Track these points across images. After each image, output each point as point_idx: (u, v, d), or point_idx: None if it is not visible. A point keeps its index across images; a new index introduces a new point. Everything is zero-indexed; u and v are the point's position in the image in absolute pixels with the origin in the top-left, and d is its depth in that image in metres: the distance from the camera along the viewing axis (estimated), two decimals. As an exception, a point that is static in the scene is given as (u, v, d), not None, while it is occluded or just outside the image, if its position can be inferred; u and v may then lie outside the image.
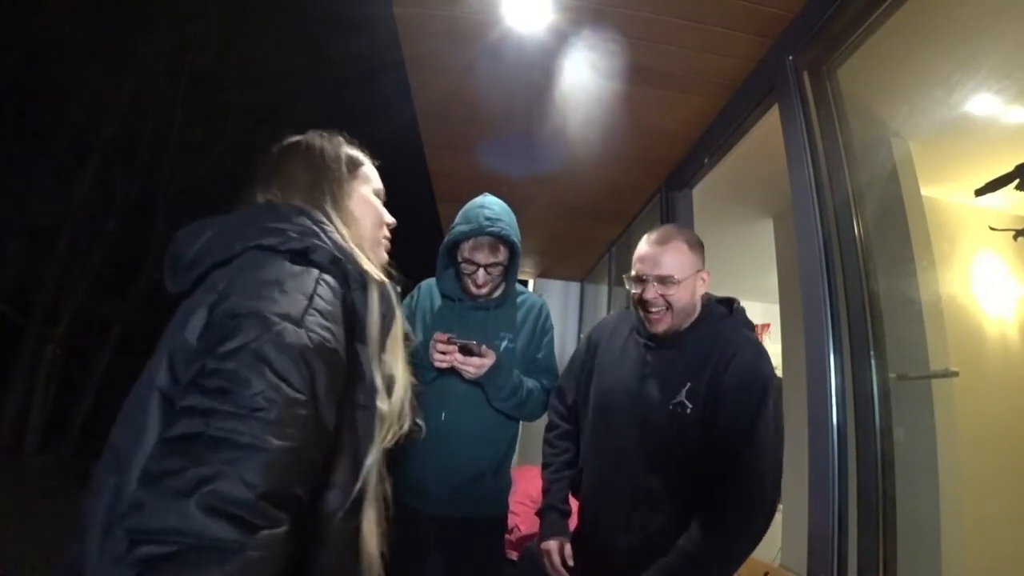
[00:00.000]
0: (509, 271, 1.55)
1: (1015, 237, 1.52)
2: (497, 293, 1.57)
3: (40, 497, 6.04)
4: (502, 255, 1.50)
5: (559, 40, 1.78)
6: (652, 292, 1.17)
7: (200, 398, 0.54)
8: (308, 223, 0.73)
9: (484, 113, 2.24)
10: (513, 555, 2.25)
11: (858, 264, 1.36)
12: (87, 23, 7.53)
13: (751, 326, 1.28)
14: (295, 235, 0.69)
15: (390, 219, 0.94)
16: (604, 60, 1.84)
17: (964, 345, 1.44)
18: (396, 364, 0.78)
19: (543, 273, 4.90)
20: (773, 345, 4.26)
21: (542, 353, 1.61)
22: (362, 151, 0.94)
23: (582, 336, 1.36)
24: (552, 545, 1.26)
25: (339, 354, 0.65)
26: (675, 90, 1.99)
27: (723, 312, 1.26)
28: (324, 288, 0.66)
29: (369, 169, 0.93)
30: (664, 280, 1.16)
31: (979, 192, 1.42)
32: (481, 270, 1.48)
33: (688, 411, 1.12)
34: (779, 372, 3.64)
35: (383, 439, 0.74)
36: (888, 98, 1.57)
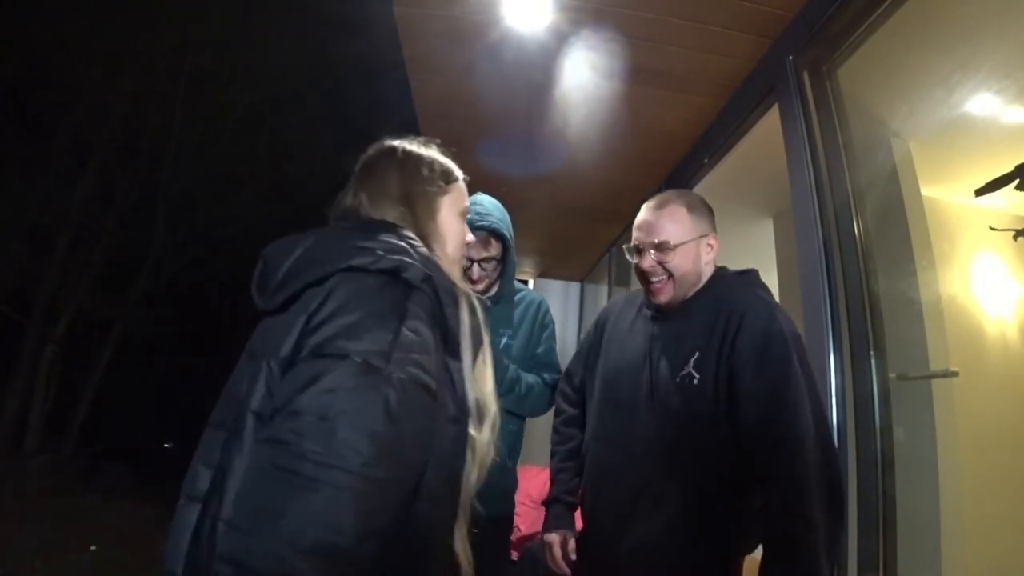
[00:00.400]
0: (504, 268, 1.55)
1: (1015, 237, 1.52)
2: (494, 290, 1.57)
3: (40, 497, 6.04)
4: (494, 249, 1.51)
5: (559, 40, 1.78)
6: (648, 260, 1.10)
7: (291, 435, 0.55)
8: (397, 240, 0.71)
9: (484, 113, 2.24)
10: (513, 555, 2.25)
11: (858, 264, 1.36)
12: (87, 23, 7.53)
13: (767, 289, 1.17)
14: (384, 253, 0.67)
15: (471, 238, 0.92)
16: (604, 60, 1.84)
17: (964, 345, 1.44)
18: (486, 388, 0.76)
19: (543, 273, 4.90)
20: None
21: (542, 348, 1.59)
22: (454, 162, 0.89)
23: (583, 337, 1.32)
24: (554, 538, 1.20)
25: (429, 387, 0.64)
26: (675, 90, 1.99)
27: (734, 276, 1.17)
28: (414, 314, 0.65)
29: (461, 185, 0.89)
30: (660, 247, 1.09)
31: (979, 192, 1.42)
32: (475, 265, 1.49)
33: (695, 382, 1.02)
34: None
35: (476, 470, 0.73)
36: (888, 98, 1.57)
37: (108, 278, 8.87)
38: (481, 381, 0.75)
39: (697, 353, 1.05)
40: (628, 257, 1.17)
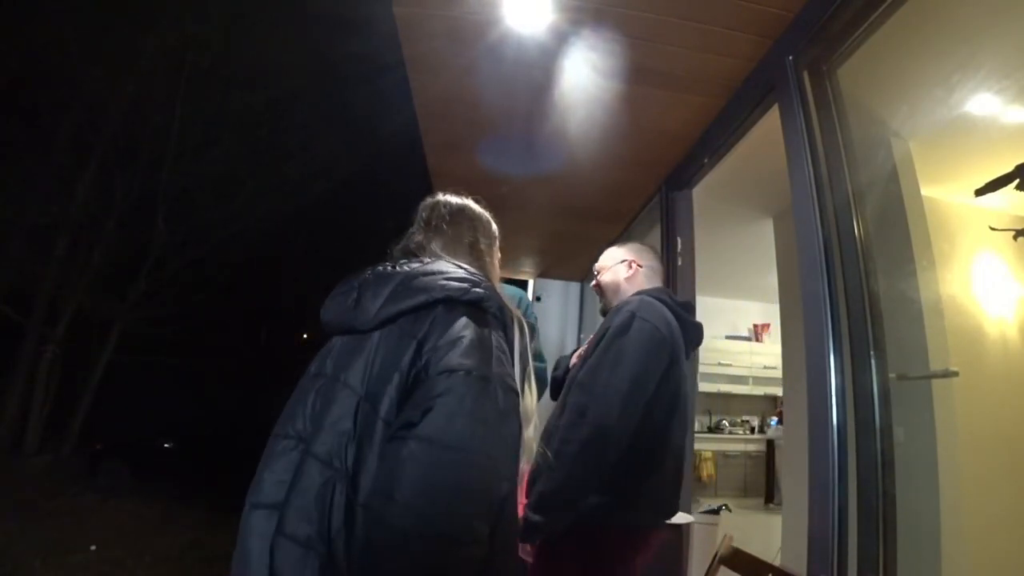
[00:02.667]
0: None
1: (1015, 237, 1.52)
2: None
3: (40, 497, 6.05)
4: None
5: (559, 40, 1.78)
6: (593, 283, 1.60)
7: (436, 432, 0.70)
8: (473, 278, 0.88)
9: (484, 113, 2.24)
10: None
11: (858, 264, 1.36)
12: (87, 23, 7.53)
13: (666, 299, 1.45)
14: (469, 287, 0.85)
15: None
16: (604, 60, 1.84)
17: (964, 345, 1.44)
18: (531, 400, 0.92)
19: (543, 273, 4.90)
20: (773, 345, 4.27)
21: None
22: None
23: (583, 337, 1.47)
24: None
25: (516, 389, 0.83)
26: (675, 90, 1.99)
27: (634, 299, 1.44)
28: (496, 335, 0.84)
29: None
30: (596, 271, 1.59)
31: (979, 192, 1.42)
32: None
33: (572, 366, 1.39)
34: (779, 372, 3.66)
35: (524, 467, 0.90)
36: (888, 98, 1.57)
37: (108, 278, 8.87)
38: (529, 395, 0.91)
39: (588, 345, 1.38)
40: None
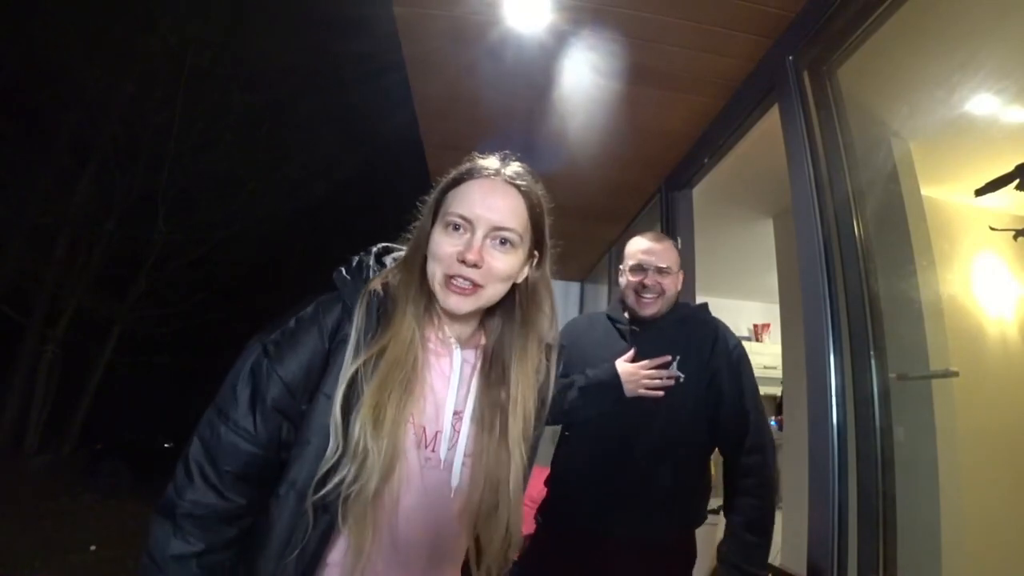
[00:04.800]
0: None
1: (1015, 237, 1.52)
2: None
3: (40, 497, 6.05)
4: None
5: (559, 40, 1.78)
6: (652, 279, 1.36)
7: None
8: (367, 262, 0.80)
9: (484, 113, 2.24)
10: None
11: (858, 264, 1.36)
12: (87, 23, 7.53)
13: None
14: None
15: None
16: (604, 60, 1.84)
17: (964, 345, 1.44)
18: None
19: (543, 273, 4.90)
20: (773, 345, 4.26)
21: None
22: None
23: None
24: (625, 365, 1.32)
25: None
26: (675, 90, 1.99)
27: (692, 305, 1.51)
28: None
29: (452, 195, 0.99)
30: (662, 271, 1.37)
31: (979, 192, 1.41)
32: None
33: (680, 379, 1.29)
34: (779, 372, 3.66)
35: None
36: (888, 98, 1.57)
37: (108, 278, 8.87)
38: None
39: (679, 356, 1.30)
40: (623, 277, 1.42)
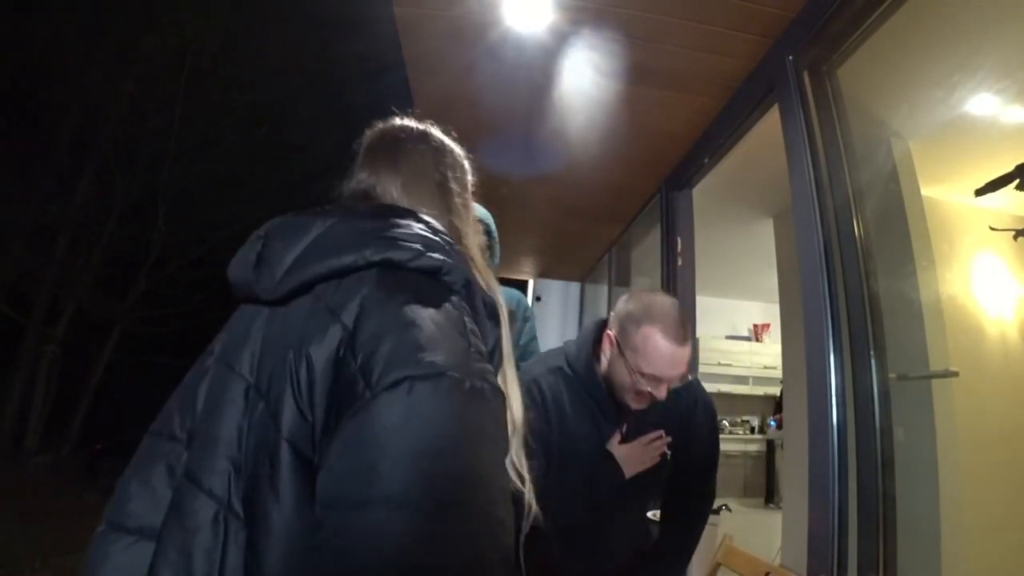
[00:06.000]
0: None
1: (1015, 237, 1.52)
2: None
3: (40, 497, 6.05)
4: None
5: (559, 40, 1.78)
6: (665, 392, 1.08)
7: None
8: (434, 236, 0.58)
9: (484, 113, 2.24)
10: None
11: (858, 264, 1.36)
12: (87, 23, 7.53)
13: None
14: (424, 249, 0.55)
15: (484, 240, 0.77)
16: (604, 60, 1.84)
17: (964, 345, 1.44)
18: (518, 408, 0.65)
19: (543, 273, 4.90)
20: (773, 345, 4.27)
21: (523, 340, 1.79)
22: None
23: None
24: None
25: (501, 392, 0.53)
26: (675, 90, 1.99)
27: None
28: (466, 318, 0.54)
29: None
30: (682, 378, 1.12)
31: (979, 192, 1.42)
32: None
33: (668, 456, 1.20)
34: (779, 372, 3.65)
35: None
36: (888, 98, 1.57)
37: (108, 278, 8.87)
38: (512, 388, 0.65)
39: (666, 430, 1.20)
40: (636, 383, 1.09)
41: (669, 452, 1.20)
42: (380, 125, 0.77)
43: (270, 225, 0.60)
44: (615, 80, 1.94)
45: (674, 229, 2.50)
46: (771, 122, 1.70)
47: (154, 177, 8.71)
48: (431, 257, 0.54)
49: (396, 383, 0.43)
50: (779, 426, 3.86)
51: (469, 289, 0.57)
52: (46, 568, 4.08)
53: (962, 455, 1.35)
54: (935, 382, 1.30)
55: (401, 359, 0.45)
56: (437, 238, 0.58)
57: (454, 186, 0.72)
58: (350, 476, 0.41)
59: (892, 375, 1.29)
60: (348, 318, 0.49)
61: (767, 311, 4.51)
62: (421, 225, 0.59)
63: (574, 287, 4.97)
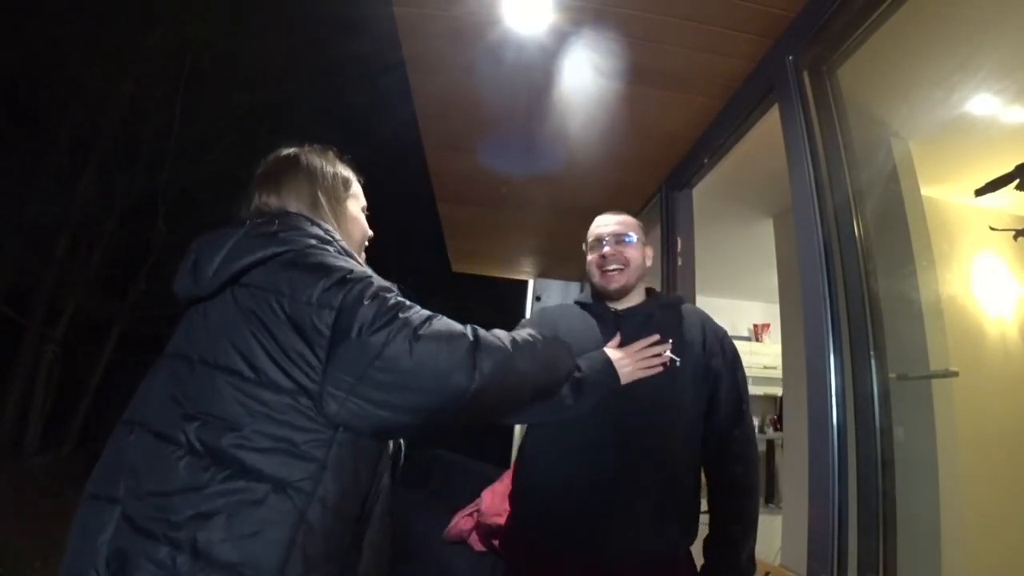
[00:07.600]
0: None
1: (1015, 237, 1.52)
2: None
3: (40, 497, 6.04)
4: None
5: (559, 40, 1.78)
6: (612, 248, 1.32)
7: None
8: (321, 232, 0.85)
9: (484, 113, 2.24)
10: (475, 539, 2.14)
11: (858, 264, 1.36)
12: (87, 23, 7.52)
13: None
14: (316, 242, 0.81)
15: (371, 232, 1.06)
16: (604, 60, 1.84)
17: (964, 345, 1.44)
18: None
19: (543, 273, 4.90)
20: (773, 345, 4.26)
21: None
22: (350, 168, 1.04)
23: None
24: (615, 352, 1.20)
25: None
26: (675, 90, 1.99)
27: (666, 294, 1.50)
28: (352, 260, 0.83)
29: (357, 187, 1.04)
30: (620, 239, 1.33)
31: (979, 192, 1.42)
32: None
33: (678, 363, 1.22)
34: (779, 372, 3.65)
35: None
36: (888, 98, 1.57)
37: (108, 278, 8.86)
38: None
39: (671, 340, 1.23)
40: (594, 254, 1.37)
41: (677, 359, 1.22)
42: (266, 158, 1.00)
43: (199, 240, 0.85)
44: (615, 80, 1.94)
45: (674, 229, 2.50)
46: (771, 122, 1.70)
47: (154, 177, 8.70)
48: (310, 243, 0.80)
49: (356, 301, 0.72)
50: (779, 427, 3.86)
51: (347, 251, 0.86)
52: (46, 568, 4.08)
53: (962, 455, 1.35)
54: (935, 382, 1.30)
55: (335, 289, 0.73)
56: (325, 235, 0.85)
57: (323, 196, 0.95)
58: (355, 366, 0.71)
59: (892, 375, 1.29)
60: (285, 288, 0.74)
61: (767, 311, 4.51)
62: (315, 227, 0.85)
63: (574, 287, 4.97)
